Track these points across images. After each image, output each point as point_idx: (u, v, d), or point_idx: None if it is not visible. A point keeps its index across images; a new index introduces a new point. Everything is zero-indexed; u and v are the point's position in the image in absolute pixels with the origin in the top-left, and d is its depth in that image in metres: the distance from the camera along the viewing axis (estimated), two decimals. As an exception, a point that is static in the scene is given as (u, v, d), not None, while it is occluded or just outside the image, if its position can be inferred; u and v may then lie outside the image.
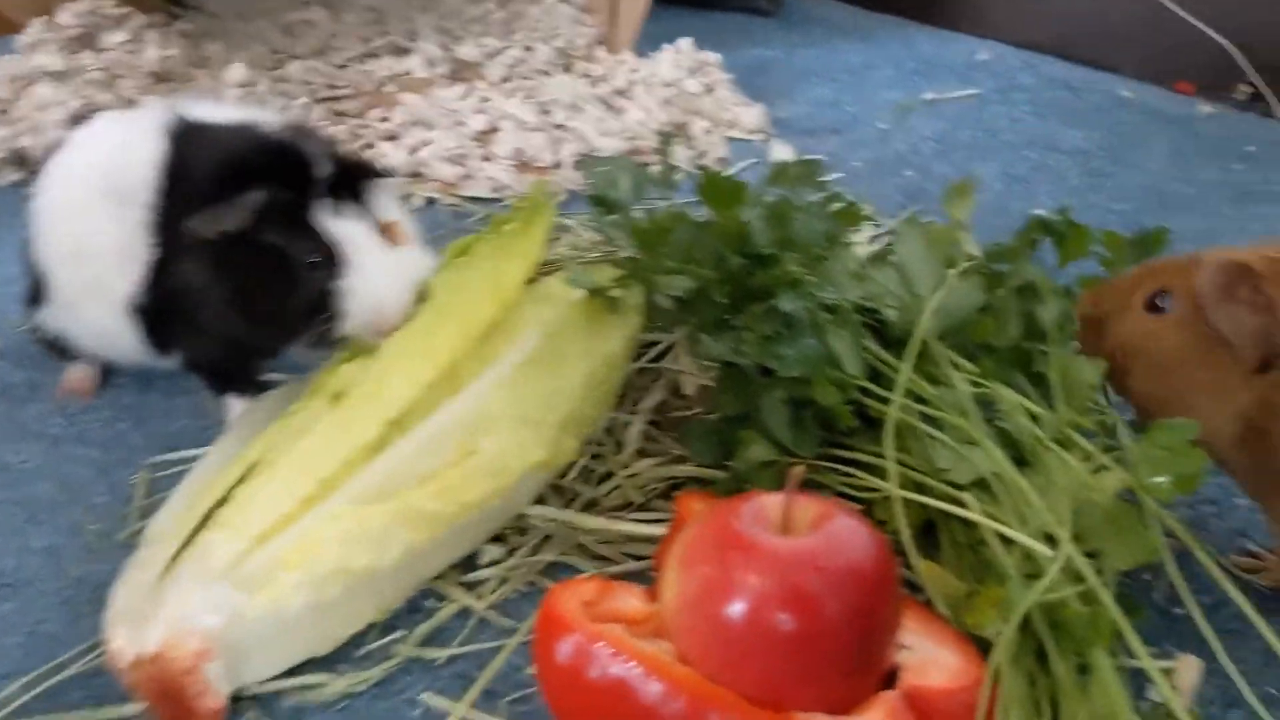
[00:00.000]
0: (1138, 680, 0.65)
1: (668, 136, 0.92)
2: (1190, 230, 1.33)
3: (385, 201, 0.89)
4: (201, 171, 0.85)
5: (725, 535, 0.63)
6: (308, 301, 0.84)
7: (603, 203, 0.90)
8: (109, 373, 1.04)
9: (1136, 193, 1.43)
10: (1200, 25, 1.69)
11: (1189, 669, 0.74)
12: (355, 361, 0.84)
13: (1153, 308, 0.77)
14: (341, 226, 0.84)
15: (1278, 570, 0.81)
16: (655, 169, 0.95)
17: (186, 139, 0.88)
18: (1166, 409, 0.78)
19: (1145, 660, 0.65)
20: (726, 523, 0.64)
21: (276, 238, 0.83)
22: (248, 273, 0.84)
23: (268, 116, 0.92)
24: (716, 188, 0.82)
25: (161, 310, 0.89)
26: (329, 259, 0.83)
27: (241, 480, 0.78)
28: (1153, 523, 0.78)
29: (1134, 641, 0.66)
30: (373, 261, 0.84)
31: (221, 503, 0.76)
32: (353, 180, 0.86)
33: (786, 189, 0.80)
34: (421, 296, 0.86)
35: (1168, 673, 0.74)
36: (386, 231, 0.87)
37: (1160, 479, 0.68)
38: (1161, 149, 1.55)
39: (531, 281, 0.91)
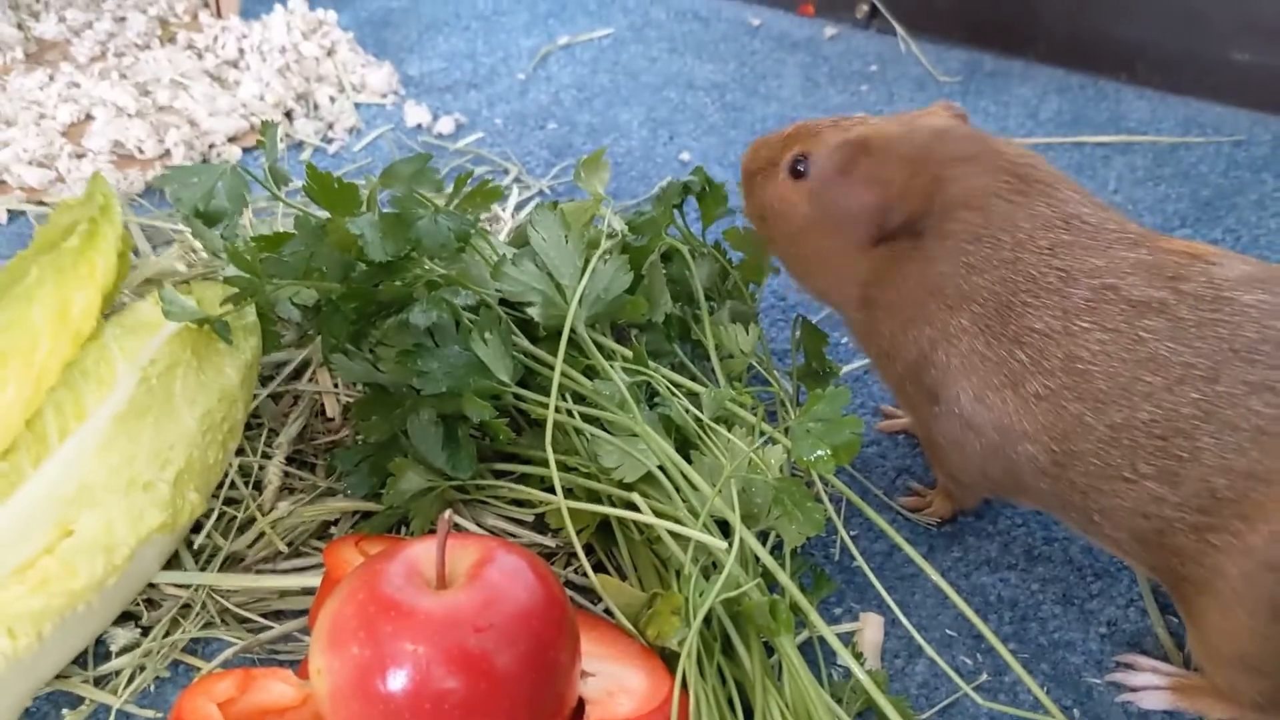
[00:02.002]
0: (831, 645, 0.64)
1: (269, 126, 0.81)
2: (827, 158, 1.36)
3: None
4: None
5: (374, 603, 0.56)
6: None
7: (201, 216, 0.79)
8: None
9: (773, 124, 1.44)
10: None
11: (871, 627, 0.75)
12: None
13: (795, 172, 0.76)
14: None
15: (940, 504, 0.83)
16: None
17: None
18: (802, 273, 0.80)
19: (829, 635, 0.64)
20: (374, 588, 0.56)
21: None
22: None
23: None
24: (325, 189, 0.73)
25: None
26: None
27: None
28: (821, 490, 0.78)
29: (816, 620, 0.65)
30: None
31: None
32: None
33: (402, 189, 0.72)
34: None
35: (853, 635, 0.74)
36: None
37: (820, 452, 0.67)
38: (793, 76, 1.58)
39: (115, 309, 0.79)
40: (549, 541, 0.77)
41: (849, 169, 0.72)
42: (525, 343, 0.77)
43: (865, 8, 1.74)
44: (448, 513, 0.57)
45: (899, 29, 1.67)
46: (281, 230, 0.79)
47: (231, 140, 1.33)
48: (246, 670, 0.59)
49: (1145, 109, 1.46)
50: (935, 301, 0.71)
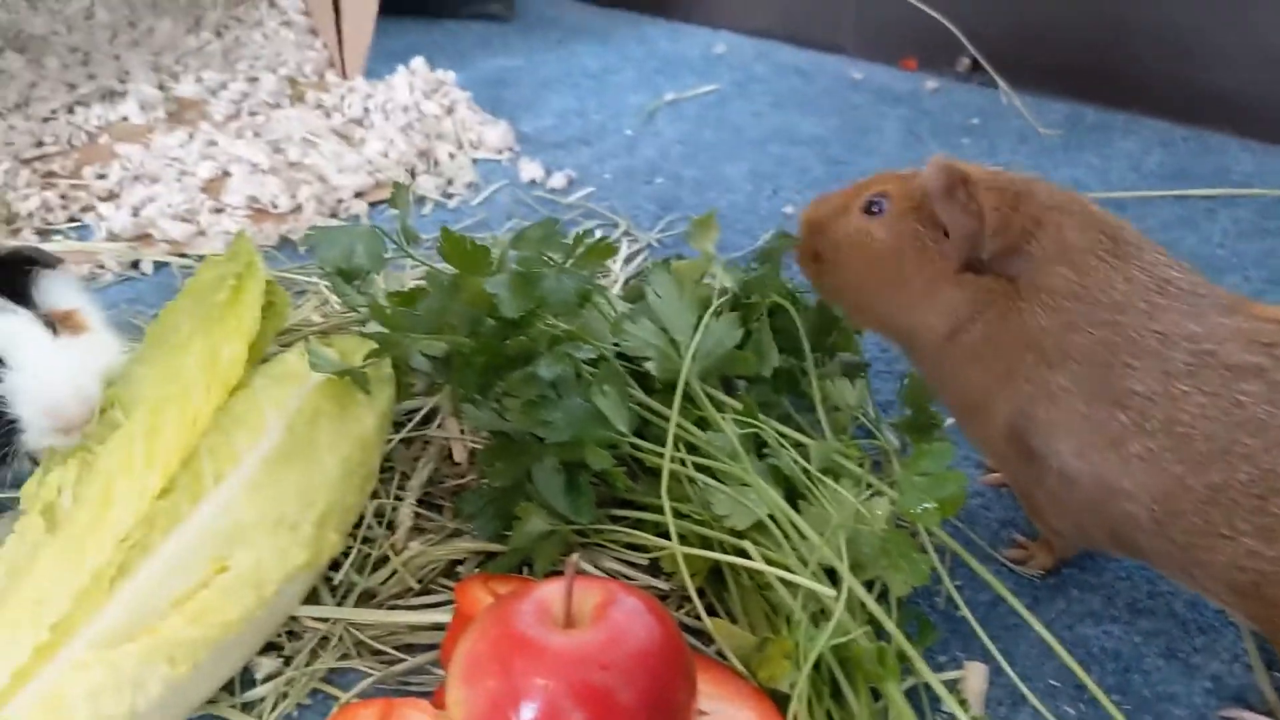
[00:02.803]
0: (935, 692, 0.67)
1: (401, 188, 0.87)
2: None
3: (58, 288, 0.82)
4: None
5: (508, 640, 0.60)
6: None
7: (342, 273, 0.85)
8: None
9: (876, 177, 1.47)
10: (914, 1, 1.76)
11: (975, 675, 0.77)
12: (64, 468, 0.76)
13: (869, 212, 0.81)
14: None
15: (1042, 556, 0.85)
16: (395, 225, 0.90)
17: None
18: (872, 299, 0.82)
19: (934, 681, 0.67)
20: (508, 625, 0.61)
21: None
22: None
23: None
24: (459, 251, 0.78)
25: None
26: None
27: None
28: (925, 542, 0.81)
29: (922, 667, 0.67)
30: (37, 356, 0.76)
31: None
32: (7, 274, 0.79)
33: (532, 251, 0.77)
34: (108, 382, 0.80)
35: (957, 682, 0.76)
36: (64, 321, 0.79)
37: (926, 505, 0.70)
38: (894, 129, 1.61)
39: (261, 357, 0.85)
40: (662, 585, 0.81)
41: (950, 192, 0.75)
42: (640, 394, 0.81)
43: (966, 61, 1.77)
44: (575, 557, 0.61)
45: (1000, 82, 1.69)
46: (410, 282, 0.85)
47: (358, 195, 1.40)
48: (388, 700, 0.64)
49: (1250, 162, 1.46)
50: (1033, 357, 0.74)
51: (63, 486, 0.76)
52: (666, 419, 0.78)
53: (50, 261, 0.82)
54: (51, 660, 0.68)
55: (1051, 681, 0.77)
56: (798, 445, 0.80)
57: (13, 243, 1.26)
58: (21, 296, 0.79)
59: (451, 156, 1.50)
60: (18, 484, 0.87)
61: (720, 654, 0.73)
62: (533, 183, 1.46)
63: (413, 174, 1.46)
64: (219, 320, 0.83)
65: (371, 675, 0.76)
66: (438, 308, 0.82)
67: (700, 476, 0.77)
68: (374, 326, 0.82)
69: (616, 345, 0.80)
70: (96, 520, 0.73)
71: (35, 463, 0.80)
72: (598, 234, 1.27)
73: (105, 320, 0.84)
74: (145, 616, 0.71)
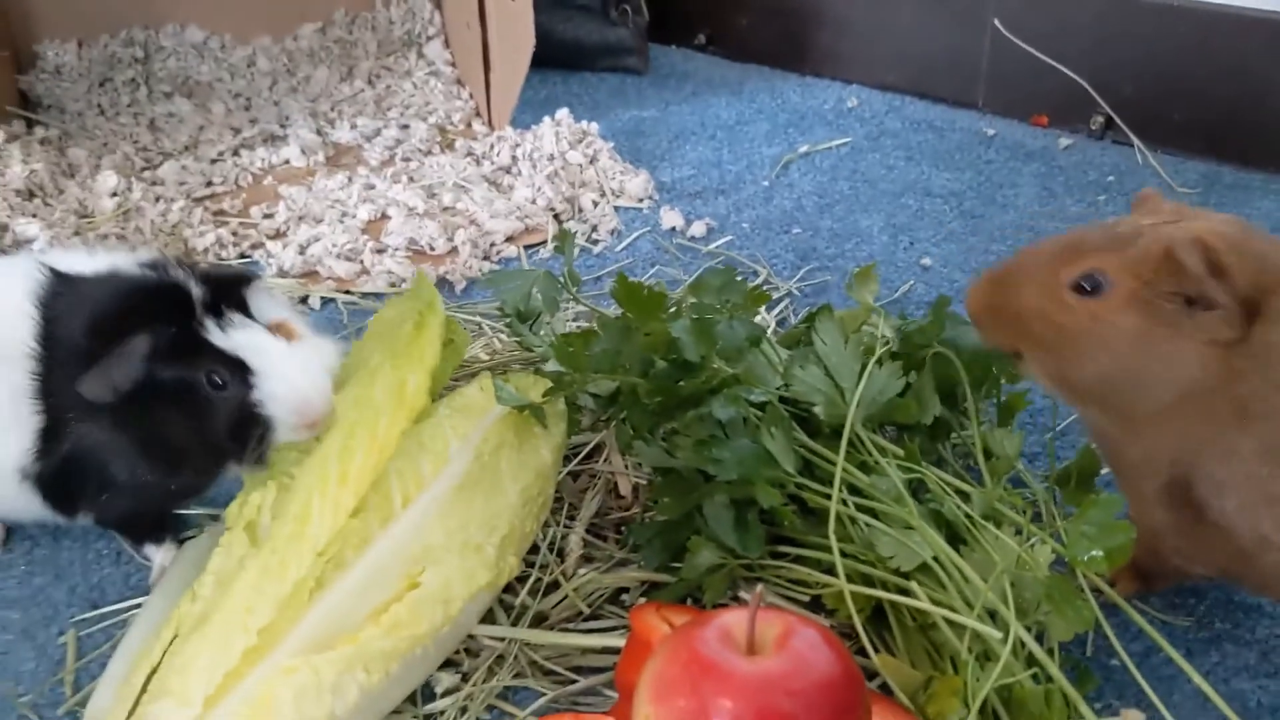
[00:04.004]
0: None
1: (566, 235, 0.93)
2: (1067, 267, 1.40)
3: (267, 302, 0.89)
4: (78, 329, 0.83)
5: (696, 664, 0.64)
6: (231, 422, 0.83)
7: (519, 315, 0.91)
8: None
9: (1011, 232, 1.49)
10: (1047, 59, 1.77)
11: (1133, 722, 0.78)
12: (264, 490, 0.83)
13: (1081, 290, 0.74)
14: (236, 338, 0.83)
15: (1125, 584, 0.87)
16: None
17: (56, 297, 0.85)
18: (1117, 390, 0.75)
19: (1096, 727, 0.68)
20: (695, 650, 0.64)
21: (176, 372, 0.81)
22: (162, 417, 0.83)
23: (126, 260, 0.89)
24: (634, 297, 0.83)
25: (65, 476, 0.87)
26: (236, 373, 0.83)
27: (176, 638, 0.76)
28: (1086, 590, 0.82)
29: (1086, 711, 0.69)
30: (280, 361, 0.84)
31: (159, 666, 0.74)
32: (228, 292, 0.86)
33: (711, 298, 0.82)
34: (337, 382, 0.87)
35: (1113, 729, 0.78)
36: (278, 330, 0.86)
37: (1094, 553, 0.72)
38: (1029, 185, 1.63)
39: (443, 390, 0.91)
40: (824, 621, 0.84)
41: (1216, 270, 0.70)
42: (804, 437, 0.85)
43: (1100, 119, 1.78)
44: (760, 588, 0.65)
45: (1135, 140, 1.70)
46: (571, 323, 0.90)
47: (508, 240, 1.46)
48: (576, 715, 0.68)
49: (1400, 224, 1.45)
50: (1230, 414, 0.72)
51: (263, 507, 0.83)
52: (828, 461, 0.81)
53: (252, 278, 0.89)
54: (259, 664, 0.74)
55: (1210, 732, 0.78)
56: (958, 491, 0.83)
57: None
58: (244, 312, 0.86)
59: (595, 204, 1.56)
60: (204, 500, 0.94)
61: (884, 689, 0.76)
62: (673, 230, 1.51)
63: (558, 219, 1.52)
64: (404, 353, 0.89)
65: (546, 694, 0.80)
66: (611, 349, 0.87)
67: (863, 518, 0.80)
68: (550, 365, 0.87)
69: (779, 389, 0.84)
70: (296, 535, 0.79)
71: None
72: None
73: (311, 327, 0.91)
74: (342, 626, 0.77)
